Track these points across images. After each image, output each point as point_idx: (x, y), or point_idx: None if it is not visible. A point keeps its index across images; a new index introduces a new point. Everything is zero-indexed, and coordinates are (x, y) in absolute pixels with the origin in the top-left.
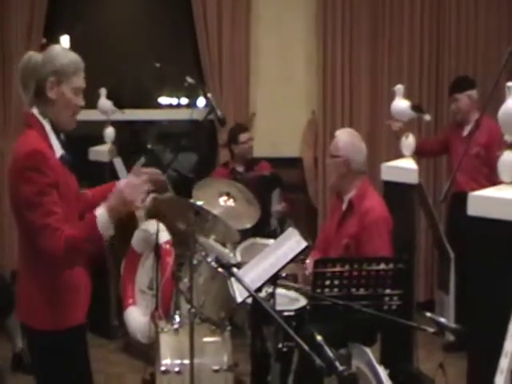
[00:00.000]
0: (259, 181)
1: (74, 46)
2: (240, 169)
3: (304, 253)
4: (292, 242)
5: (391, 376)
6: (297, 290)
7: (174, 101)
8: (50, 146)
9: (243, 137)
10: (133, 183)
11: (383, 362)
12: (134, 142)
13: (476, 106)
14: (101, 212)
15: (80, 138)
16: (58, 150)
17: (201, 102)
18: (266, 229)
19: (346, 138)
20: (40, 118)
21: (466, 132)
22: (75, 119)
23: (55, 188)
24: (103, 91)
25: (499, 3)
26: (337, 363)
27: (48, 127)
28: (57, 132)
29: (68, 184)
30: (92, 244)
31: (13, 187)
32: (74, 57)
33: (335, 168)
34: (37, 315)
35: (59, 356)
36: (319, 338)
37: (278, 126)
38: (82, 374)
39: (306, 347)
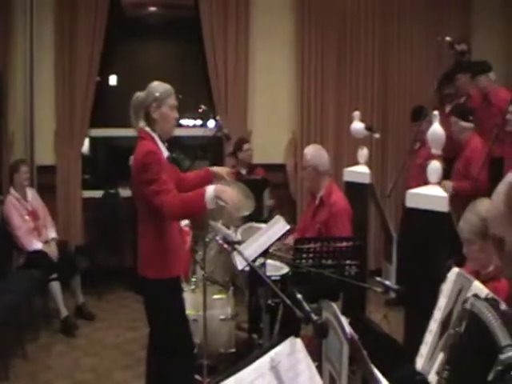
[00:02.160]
0: (253, 183)
1: (119, 83)
2: (243, 172)
3: (287, 233)
4: (279, 226)
5: (350, 324)
6: (282, 261)
7: (191, 122)
8: (159, 149)
9: (246, 146)
10: (232, 192)
11: (344, 313)
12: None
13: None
14: (209, 189)
15: (126, 149)
16: (165, 153)
17: (211, 123)
18: (259, 218)
19: (310, 151)
20: (151, 132)
21: (416, 146)
22: (174, 128)
23: (166, 174)
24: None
25: (432, 48)
26: (312, 314)
27: (156, 138)
28: (162, 141)
29: (171, 175)
30: (196, 206)
31: (137, 177)
32: (166, 86)
33: (307, 175)
34: (154, 268)
35: (169, 297)
36: (299, 295)
37: (268, 140)
38: (183, 311)
39: (289, 302)
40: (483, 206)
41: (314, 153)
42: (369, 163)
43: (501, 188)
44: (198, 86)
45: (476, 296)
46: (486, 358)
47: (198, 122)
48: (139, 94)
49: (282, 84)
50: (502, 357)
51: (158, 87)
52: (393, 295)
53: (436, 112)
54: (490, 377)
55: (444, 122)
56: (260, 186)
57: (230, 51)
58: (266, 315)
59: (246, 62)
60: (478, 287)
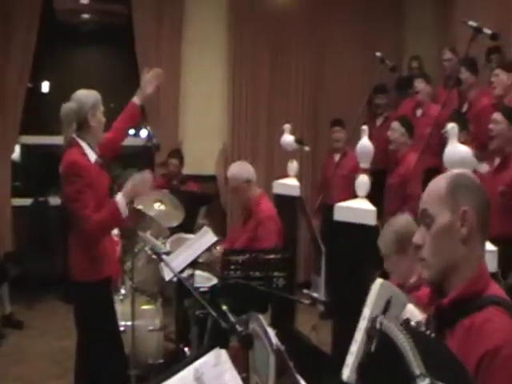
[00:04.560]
0: (193, 195)
1: (52, 90)
2: (175, 182)
3: (215, 244)
4: (206, 237)
5: (278, 335)
6: (210, 271)
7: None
8: (86, 156)
9: (171, 161)
10: (142, 180)
11: (273, 324)
12: None
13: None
14: (119, 198)
15: (57, 157)
16: (93, 157)
17: (143, 132)
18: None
19: (233, 169)
20: (79, 140)
21: (336, 159)
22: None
23: (89, 186)
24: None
25: (363, 63)
26: (237, 326)
27: (84, 145)
28: (92, 147)
29: (101, 179)
30: (114, 220)
31: (63, 187)
32: (93, 92)
33: (238, 193)
34: (85, 271)
35: (100, 301)
36: (224, 307)
37: (199, 151)
38: (115, 318)
39: (214, 314)
40: (398, 222)
41: (238, 169)
42: (299, 176)
43: (446, 174)
44: (130, 94)
45: (407, 321)
46: (397, 379)
47: (130, 131)
48: (71, 105)
49: (215, 95)
50: None
51: (90, 95)
52: (321, 307)
53: (365, 126)
54: None
55: (374, 135)
56: (200, 201)
57: (162, 60)
58: (195, 326)
59: (178, 71)
60: (412, 311)
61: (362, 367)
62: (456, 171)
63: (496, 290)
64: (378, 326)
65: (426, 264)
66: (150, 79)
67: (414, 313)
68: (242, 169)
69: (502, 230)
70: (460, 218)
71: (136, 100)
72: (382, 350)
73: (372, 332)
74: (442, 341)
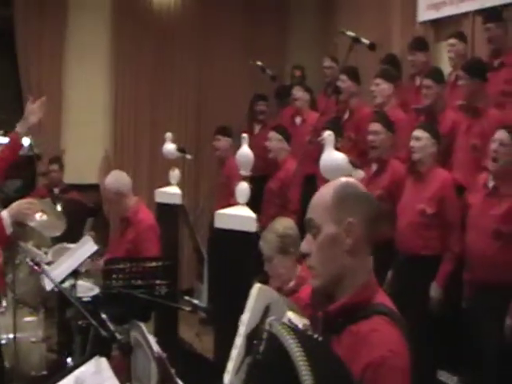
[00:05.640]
0: (80, 205)
1: None
2: (56, 191)
3: (96, 253)
4: (87, 246)
5: (160, 343)
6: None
7: (4, 140)
8: None
9: (51, 167)
10: (31, 204)
11: (156, 332)
12: None
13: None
14: (5, 215)
15: None
16: None
17: (25, 141)
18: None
19: (107, 180)
20: None
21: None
22: None
23: None
24: None
25: (248, 71)
26: (116, 334)
27: None
28: None
29: None
30: None
31: None
32: None
33: (113, 203)
34: None
35: None
36: (104, 316)
37: (82, 159)
38: None
39: (94, 323)
40: (280, 225)
41: (112, 180)
42: (182, 184)
43: (333, 184)
44: (10, 101)
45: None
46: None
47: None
48: None
49: (97, 102)
50: None
51: None
52: (202, 314)
53: (245, 134)
54: None
55: (253, 142)
56: (87, 212)
57: (43, 66)
58: (77, 336)
59: (59, 78)
60: (292, 317)
61: (251, 368)
62: (343, 180)
63: (383, 298)
64: (267, 327)
65: (314, 273)
66: (34, 109)
67: (294, 320)
68: (115, 180)
69: None
70: (345, 229)
71: (19, 129)
72: (269, 352)
73: (260, 334)
74: (328, 345)
